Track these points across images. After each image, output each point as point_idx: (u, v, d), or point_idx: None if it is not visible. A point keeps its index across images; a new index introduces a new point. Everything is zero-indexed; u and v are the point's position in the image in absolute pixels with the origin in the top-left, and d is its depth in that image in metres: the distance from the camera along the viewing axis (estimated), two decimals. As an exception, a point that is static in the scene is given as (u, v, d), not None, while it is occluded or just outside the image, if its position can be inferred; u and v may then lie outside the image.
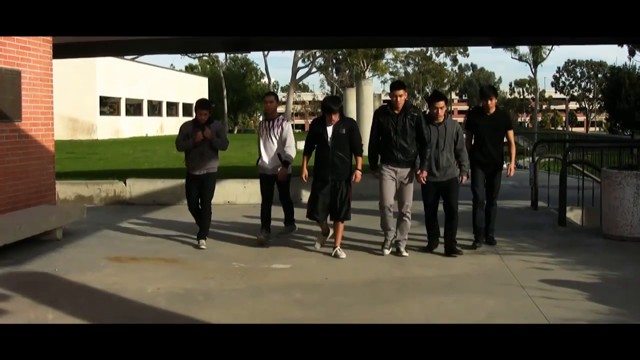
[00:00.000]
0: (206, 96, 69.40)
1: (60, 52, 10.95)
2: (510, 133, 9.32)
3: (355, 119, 24.90)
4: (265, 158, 9.31)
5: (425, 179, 8.47)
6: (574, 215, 11.40)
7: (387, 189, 8.58)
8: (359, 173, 8.68)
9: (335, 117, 8.45)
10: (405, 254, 8.55)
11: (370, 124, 9.04)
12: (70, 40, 10.69)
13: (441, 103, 8.61)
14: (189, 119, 9.68)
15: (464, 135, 9.01)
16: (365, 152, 8.78)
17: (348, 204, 8.56)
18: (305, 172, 8.93)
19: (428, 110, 8.73)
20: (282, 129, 9.23)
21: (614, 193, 9.33)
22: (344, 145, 8.48)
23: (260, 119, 9.71)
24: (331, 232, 8.91)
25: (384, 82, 78.53)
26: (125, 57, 47.18)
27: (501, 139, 9.18)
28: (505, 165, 9.77)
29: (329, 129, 8.47)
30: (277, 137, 9.20)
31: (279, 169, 9.22)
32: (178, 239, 9.69)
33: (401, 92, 8.42)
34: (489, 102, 9.00)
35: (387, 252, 8.60)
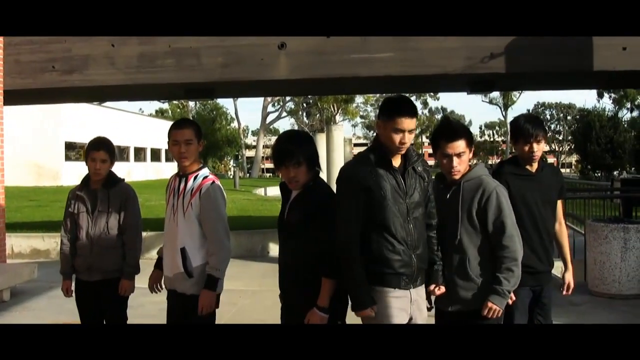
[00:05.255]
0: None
1: (11, 99, 10.28)
2: (560, 206, 5.09)
3: (325, 167, 23.42)
4: (166, 254, 4.78)
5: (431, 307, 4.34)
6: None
7: None
8: (317, 315, 3.88)
9: (299, 176, 3.99)
10: None
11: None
12: (22, 86, 10.02)
13: (459, 145, 4.25)
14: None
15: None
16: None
17: None
18: None
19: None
20: (201, 195, 4.53)
21: (600, 247, 8.86)
22: (300, 245, 4.00)
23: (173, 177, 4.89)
24: None
25: (354, 125, 78.51)
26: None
27: (553, 220, 5.00)
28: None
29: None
30: (190, 212, 4.55)
31: (187, 285, 4.61)
32: (137, 299, 8.84)
33: (413, 122, 3.89)
34: (535, 146, 4.70)
35: None
